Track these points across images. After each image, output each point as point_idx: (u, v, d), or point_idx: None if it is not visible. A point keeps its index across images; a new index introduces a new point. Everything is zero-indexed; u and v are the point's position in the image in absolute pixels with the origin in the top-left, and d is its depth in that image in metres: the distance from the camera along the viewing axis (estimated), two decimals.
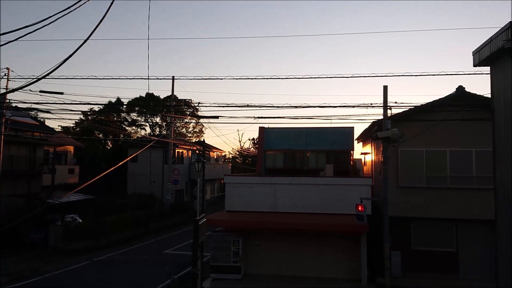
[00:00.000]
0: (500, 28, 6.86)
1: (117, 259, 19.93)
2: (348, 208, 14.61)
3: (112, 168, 15.09)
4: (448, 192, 15.20)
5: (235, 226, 15.66)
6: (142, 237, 25.71)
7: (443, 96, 15.48)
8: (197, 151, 38.72)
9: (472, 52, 8.13)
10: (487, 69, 8.27)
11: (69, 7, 5.06)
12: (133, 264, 18.78)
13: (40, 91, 15.61)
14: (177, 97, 39.32)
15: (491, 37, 7.21)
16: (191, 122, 51.56)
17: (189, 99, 45.93)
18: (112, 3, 4.59)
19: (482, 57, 7.68)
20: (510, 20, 6.50)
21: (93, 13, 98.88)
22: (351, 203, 14.18)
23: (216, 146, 51.05)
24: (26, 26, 5.05)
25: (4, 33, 5.18)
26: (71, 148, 36.37)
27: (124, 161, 20.01)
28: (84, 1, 4.64)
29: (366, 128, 19.96)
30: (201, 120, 47.84)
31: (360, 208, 13.20)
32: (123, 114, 47.59)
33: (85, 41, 5.42)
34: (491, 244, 12.67)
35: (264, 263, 15.78)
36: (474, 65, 8.14)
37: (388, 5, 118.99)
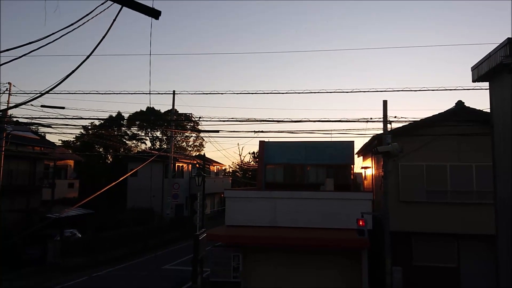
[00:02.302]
0: (498, 44, 6.93)
1: (116, 275, 19.75)
2: (348, 222, 14.53)
3: (112, 184, 15.08)
4: (449, 206, 15.14)
5: (235, 241, 15.55)
6: (142, 252, 25.51)
7: (442, 111, 15.54)
8: (197, 165, 38.70)
9: (471, 67, 8.20)
10: (486, 84, 8.33)
11: (72, 24, 5.11)
12: (132, 280, 18.61)
13: (42, 106, 15.71)
14: (178, 111, 39.47)
15: (489, 53, 7.29)
16: (192, 136, 51.67)
17: (190, 113, 46.14)
18: (114, 20, 4.65)
19: (481, 72, 7.75)
20: (508, 36, 6.58)
21: (95, 28, 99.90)
22: (352, 217, 14.11)
23: (217, 160, 51.02)
24: (30, 43, 5.10)
25: (7, 50, 5.23)
26: (71, 162, 36.36)
27: (125, 176, 20.01)
28: (88, 19, 4.70)
29: (366, 143, 19.98)
30: (202, 134, 47.95)
31: (361, 223, 13.14)
32: (123, 128, 47.72)
33: (88, 57, 5.47)
34: (492, 259, 12.60)
35: (264, 278, 15.62)
36: (473, 81, 8.21)
37: (388, 21, 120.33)
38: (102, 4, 4.37)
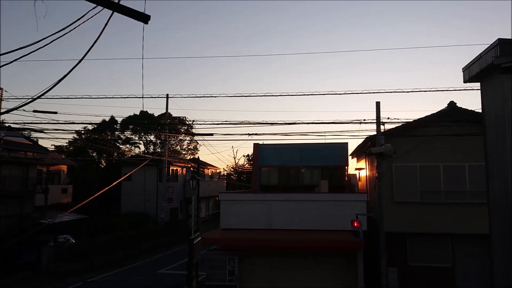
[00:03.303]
0: (489, 45, 6.98)
1: (111, 280, 19.62)
2: (343, 224, 14.54)
3: (106, 189, 15.00)
4: (443, 207, 15.21)
5: (230, 244, 15.52)
6: (136, 257, 25.37)
7: (435, 112, 15.63)
8: (191, 169, 38.58)
9: (462, 68, 8.25)
10: (477, 85, 8.38)
11: (63, 29, 5.07)
12: (127, 285, 18.50)
13: (34, 111, 15.59)
14: (172, 115, 39.35)
15: (480, 53, 7.33)
16: (186, 140, 51.53)
17: (184, 117, 46.00)
18: (106, 25, 4.63)
19: (472, 73, 7.80)
20: (499, 37, 6.63)
21: (88, 32, 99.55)
22: (346, 219, 14.12)
23: (211, 163, 50.89)
24: (21, 48, 5.05)
25: None
26: (64, 168, 36.11)
27: (118, 180, 19.92)
28: (79, 24, 4.68)
29: (360, 144, 20.04)
30: (196, 137, 47.84)
31: (355, 224, 13.16)
32: (117, 133, 47.48)
33: (80, 61, 5.43)
34: (486, 258, 12.66)
35: (260, 281, 15.59)
36: (465, 81, 8.25)
37: (380, 23, 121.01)
38: (93, 9, 4.34)
